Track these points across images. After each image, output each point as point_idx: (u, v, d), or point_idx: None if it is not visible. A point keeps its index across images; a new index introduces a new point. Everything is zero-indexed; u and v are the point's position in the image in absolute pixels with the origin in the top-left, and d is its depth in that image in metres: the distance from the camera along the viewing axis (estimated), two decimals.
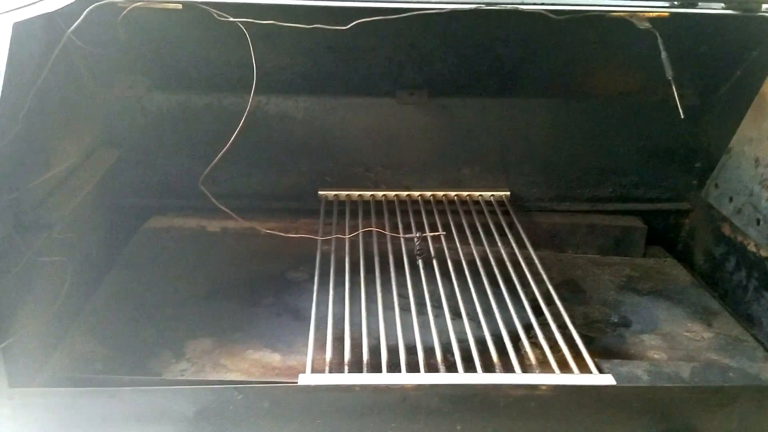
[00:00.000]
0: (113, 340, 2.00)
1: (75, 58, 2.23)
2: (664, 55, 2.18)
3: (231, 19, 2.09)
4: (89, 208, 2.22)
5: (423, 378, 1.71)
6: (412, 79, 2.51)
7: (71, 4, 2.02)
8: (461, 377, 1.74)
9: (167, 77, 2.46)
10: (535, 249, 2.42)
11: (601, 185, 2.75)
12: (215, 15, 2.09)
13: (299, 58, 2.41)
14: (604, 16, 2.17)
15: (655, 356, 2.07)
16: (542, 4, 2.16)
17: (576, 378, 1.75)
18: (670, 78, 2.18)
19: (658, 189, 2.76)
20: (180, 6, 2.10)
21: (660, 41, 2.17)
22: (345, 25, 2.09)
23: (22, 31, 1.76)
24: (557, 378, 1.75)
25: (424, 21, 2.14)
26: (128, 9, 2.09)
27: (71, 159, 2.20)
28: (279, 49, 2.35)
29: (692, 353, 2.10)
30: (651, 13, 2.18)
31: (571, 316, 2.09)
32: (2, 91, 1.63)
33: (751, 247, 2.31)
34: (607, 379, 1.71)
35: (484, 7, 2.11)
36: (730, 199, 2.41)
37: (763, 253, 2.24)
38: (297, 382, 1.66)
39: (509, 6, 2.11)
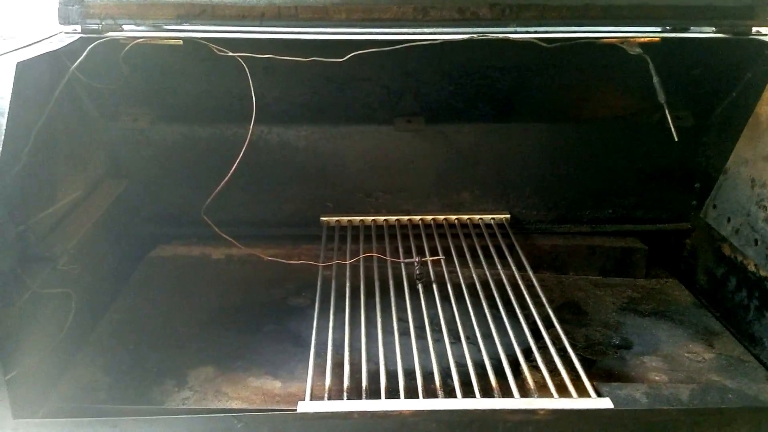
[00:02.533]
0: (117, 369, 2.03)
1: (79, 92, 2.28)
2: (656, 79, 2.21)
3: (230, 53, 2.15)
4: (94, 239, 2.25)
5: (421, 404, 1.72)
6: (410, 107, 2.54)
7: (74, 42, 2.09)
8: (459, 402, 1.75)
9: (170, 109, 2.51)
10: (536, 271, 2.44)
11: (600, 207, 2.77)
12: (215, 50, 2.15)
13: (298, 88, 2.46)
14: (594, 43, 2.20)
15: (656, 378, 2.07)
16: (534, 32, 2.20)
17: (574, 402, 1.75)
18: (663, 102, 2.21)
19: (657, 210, 2.78)
20: (180, 42, 2.16)
21: (651, 66, 2.20)
22: (342, 57, 2.14)
23: (25, 71, 1.82)
24: (555, 402, 1.76)
25: (419, 51, 2.18)
26: (130, 45, 2.15)
27: (77, 191, 2.24)
28: (278, 80, 2.39)
29: (693, 375, 2.10)
30: (642, 39, 2.21)
31: (571, 339, 2.11)
32: (6, 129, 1.68)
33: (751, 267, 2.32)
34: (605, 403, 1.72)
35: (476, 37, 2.15)
36: (728, 220, 2.42)
37: (763, 273, 2.25)
38: (296, 410, 1.68)
39: (500, 36, 2.15)
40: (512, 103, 2.54)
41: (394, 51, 2.15)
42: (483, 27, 2.21)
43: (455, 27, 2.22)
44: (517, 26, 2.21)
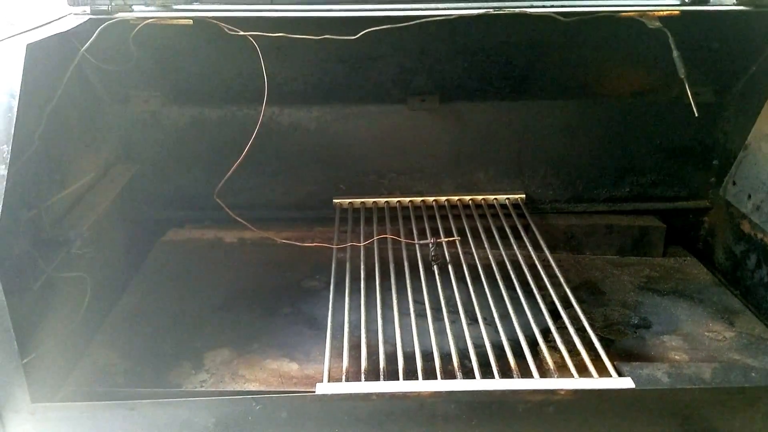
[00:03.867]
0: (134, 353, 2.03)
1: (90, 75, 2.26)
2: (675, 54, 2.16)
3: (241, 33, 2.12)
4: (108, 223, 2.24)
5: (440, 385, 1.70)
6: (423, 86, 2.51)
7: (84, 23, 2.06)
8: (478, 383, 1.73)
9: (181, 91, 2.49)
10: (552, 251, 2.41)
11: (618, 185, 2.73)
12: (225, 29, 2.12)
13: (310, 68, 2.43)
14: (613, 17, 2.15)
15: (676, 357, 2.05)
16: (552, 6, 2.15)
17: (595, 382, 1.73)
18: (683, 77, 2.17)
19: (676, 187, 2.74)
20: (191, 21, 2.13)
21: (671, 40, 2.16)
22: (354, 35, 2.11)
23: (35, 52, 1.80)
24: (576, 382, 1.74)
25: (433, 28, 2.14)
26: (140, 26, 2.12)
27: (89, 175, 2.23)
28: (290, 60, 2.36)
29: (714, 353, 2.07)
30: (661, 12, 2.16)
31: (590, 319, 2.08)
32: (18, 111, 1.66)
33: None
34: (627, 383, 1.70)
35: (492, 12, 2.10)
36: (749, 196, 2.38)
37: None
38: (314, 392, 1.67)
39: (517, 10, 2.11)
40: (528, 80, 2.50)
41: (408, 27, 2.12)
42: (499, 1, 2.17)
43: (470, 2, 2.18)
44: (534, 0, 2.17)
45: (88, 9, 2.17)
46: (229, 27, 2.12)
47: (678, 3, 2.28)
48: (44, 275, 1.76)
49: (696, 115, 2.20)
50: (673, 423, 1.67)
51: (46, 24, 2.05)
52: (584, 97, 2.58)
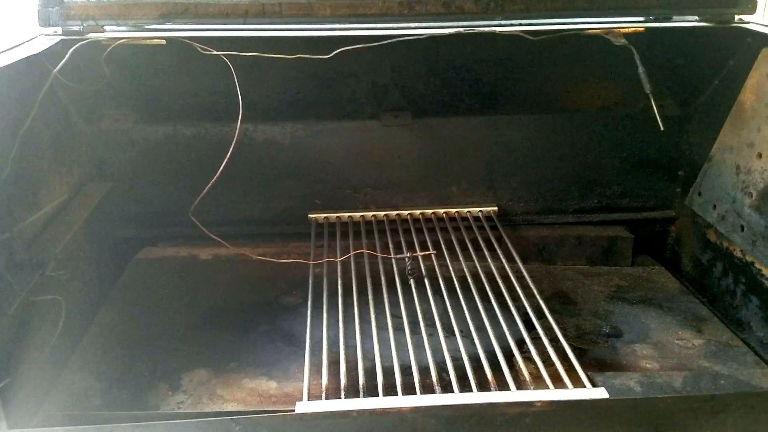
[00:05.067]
0: (110, 375, 2.01)
1: (62, 96, 2.25)
2: (641, 69, 2.22)
3: (214, 52, 2.12)
4: (81, 243, 2.23)
5: (419, 400, 1.73)
6: (396, 102, 2.54)
7: (56, 44, 2.06)
8: (457, 397, 1.75)
9: (154, 110, 2.48)
10: (525, 262, 2.45)
11: (586, 197, 2.79)
12: (199, 49, 2.12)
13: (284, 86, 2.44)
14: (580, 35, 2.21)
15: (648, 366, 2.10)
16: (519, 25, 2.20)
17: (570, 393, 1.77)
18: (648, 92, 2.23)
19: (642, 198, 2.80)
20: (163, 41, 2.13)
21: (636, 56, 2.22)
22: (327, 54, 2.13)
23: (7, 75, 1.79)
24: (551, 394, 1.77)
25: (405, 46, 2.18)
26: (112, 46, 2.12)
27: (62, 195, 2.21)
28: (263, 78, 2.38)
29: (684, 361, 2.13)
30: (627, 30, 2.23)
31: (562, 329, 2.12)
32: None
33: (737, 253, 2.35)
34: (601, 393, 1.74)
35: (462, 31, 2.15)
36: (714, 207, 2.45)
37: (749, 258, 2.28)
38: (294, 411, 1.68)
39: (486, 29, 2.15)
40: (498, 96, 2.55)
41: (381, 46, 2.15)
42: (468, 21, 2.22)
43: (441, 21, 2.22)
44: (502, 20, 2.22)
45: (59, 30, 2.17)
46: (203, 47, 2.13)
47: (643, 20, 2.35)
48: (18, 299, 1.75)
49: (662, 128, 2.26)
50: (648, 431, 1.71)
51: (17, 46, 2.03)
52: (552, 112, 2.64)
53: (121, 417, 1.78)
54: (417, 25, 2.22)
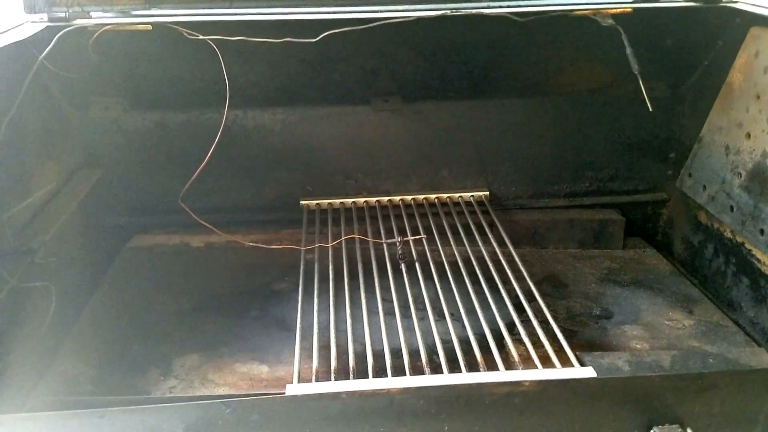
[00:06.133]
0: (101, 361, 2.02)
1: (49, 83, 2.24)
2: (629, 50, 2.22)
3: (201, 37, 2.12)
4: (71, 230, 2.23)
5: (408, 381, 1.73)
6: (386, 86, 2.54)
7: (41, 30, 2.05)
8: (446, 378, 1.76)
9: (142, 97, 2.48)
10: (516, 246, 2.45)
11: (577, 180, 2.79)
12: (185, 34, 2.12)
13: (273, 71, 2.44)
14: (567, 16, 2.20)
15: (637, 346, 2.11)
16: (507, 6, 2.19)
17: (558, 372, 1.78)
18: (637, 73, 2.23)
19: (634, 181, 2.81)
20: (150, 27, 2.13)
21: (624, 37, 2.22)
22: (314, 38, 2.13)
23: None
24: (539, 373, 1.78)
25: (393, 29, 2.17)
26: (99, 33, 2.11)
27: (51, 183, 2.21)
28: (251, 63, 2.37)
29: (674, 342, 2.14)
30: (614, 10, 2.22)
31: (553, 311, 2.13)
32: None
33: (727, 234, 2.36)
34: (588, 372, 1.74)
35: (449, 13, 2.14)
36: (704, 188, 2.45)
37: (739, 239, 2.29)
38: (284, 393, 1.68)
39: (473, 11, 2.15)
40: (488, 79, 2.54)
41: (368, 29, 2.14)
42: (456, 2, 2.20)
43: (428, 3, 2.21)
44: (490, 1, 2.21)
45: (45, 16, 2.16)
46: (189, 31, 2.13)
47: (630, 0, 2.34)
48: (8, 286, 1.75)
49: (650, 110, 2.26)
50: (635, 409, 1.71)
51: (3, 32, 2.03)
52: (542, 95, 2.63)
53: (112, 402, 1.77)
54: (404, 7, 2.21)
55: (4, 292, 1.73)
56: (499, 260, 2.35)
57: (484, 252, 2.40)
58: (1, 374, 1.64)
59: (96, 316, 2.24)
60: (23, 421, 1.64)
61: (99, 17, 2.19)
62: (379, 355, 1.87)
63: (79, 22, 2.14)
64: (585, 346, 2.08)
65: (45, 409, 1.78)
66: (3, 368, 1.65)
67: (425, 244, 2.42)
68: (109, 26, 2.12)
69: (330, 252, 2.39)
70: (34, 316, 1.92)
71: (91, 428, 1.61)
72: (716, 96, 2.42)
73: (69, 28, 2.08)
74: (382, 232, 2.51)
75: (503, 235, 2.50)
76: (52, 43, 2.01)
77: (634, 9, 2.27)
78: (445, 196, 2.73)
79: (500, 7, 2.20)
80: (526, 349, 1.91)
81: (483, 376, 1.77)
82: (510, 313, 2.07)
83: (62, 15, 2.15)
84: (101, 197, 2.53)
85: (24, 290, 1.84)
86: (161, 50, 2.29)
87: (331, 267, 2.30)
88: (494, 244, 2.44)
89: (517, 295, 2.16)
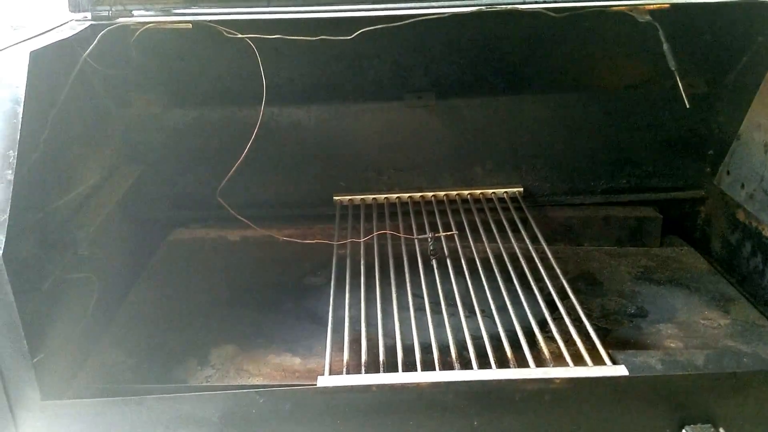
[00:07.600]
0: (141, 351, 2.08)
1: (92, 80, 2.31)
2: (666, 46, 2.19)
3: (239, 35, 2.16)
4: (113, 224, 2.29)
5: (438, 376, 1.74)
6: (420, 83, 2.55)
7: (85, 29, 2.11)
8: (476, 374, 1.76)
9: (182, 94, 2.54)
10: (550, 243, 2.43)
11: (614, 177, 2.76)
12: (224, 32, 2.16)
13: (308, 68, 2.47)
14: (604, 12, 2.18)
15: (672, 345, 2.08)
16: (542, 2, 2.18)
17: (589, 370, 1.76)
18: (674, 69, 2.20)
19: (672, 178, 2.76)
20: (190, 26, 2.17)
21: (661, 33, 2.19)
22: (350, 35, 2.15)
23: (39, 59, 1.85)
24: (571, 371, 1.77)
25: (427, 26, 2.17)
26: (140, 31, 2.17)
27: (94, 178, 2.28)
28: (288, 61, 2.41)
29: (708, 341, 2.11)
30: (651, 6, 2.19)
31: (587, 309, 2.12)
32: (23, 118, 1.71)
33: (766, 233, 2.31)
34: (621, 370, 1.73)
35: (484, 9, 2.13)
36: (742, 186, 2.41)
37: None
38: (316, 385, 1.71)
39: (509, 7, 2.14)
40: (523, 75, 2.53)
41: (403, 26, 2.15)
42: None
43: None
44: None
45: (89, 15, 2.22)
46: (228, 30, 2.17)
47: None
48: (52, 276, 1.81)
49: (688, 106, 2.22)
50: (667, 408, 1.70)
51: (48, 31, 2.09)
52: (578, 91, 2.61)
53: (150, 390, 1.84)
54: (439, 3, 2.21)
55: (49, 283, 1.79)
56: (532, 257, 2.33)
57: (516, 248, 2.39)
58: (44, 362, 1.70)
59: (136, 308, 2.31)
60: (65, 408, 1.71)
61: (141, 15, 2.24)
62: (409, 350, 1.89)
63: (122, 20, 2.20)
64: (618, 344, 2.07)
65: (86, 396, 1.84)
66: (46, 357, 1.71)
67: (457, 240, 2.42)
68: (150, 24, 2.17)
69: (362, 247, 2.41)
70: (77, 307, 1.99)
71: (130, 415, 1.67)
72: (755, 93, 2.37)
73: (112, 27, 2.14)
74: (414, 227, 2.52)
75: (536, 231, 2.48)
76: (96, 41, 2.07)
77: (672, 5, 2.23)
78: (478, 192, 2.73)
79: (536, 2, 2.18)
80: (558, 347, 1.90)
81: (513, 373, 1.77)
82: (542, 311, 2.05)
83: (105, 14, 2.21)
84: (142, 192, 2.59)
85: (67, 281, 1.90)
86: (200, 48, 2.34)
87: (362, 262, 2.32)
88: (527, 241, 2.42)
89: (550, 293, 2.14)
